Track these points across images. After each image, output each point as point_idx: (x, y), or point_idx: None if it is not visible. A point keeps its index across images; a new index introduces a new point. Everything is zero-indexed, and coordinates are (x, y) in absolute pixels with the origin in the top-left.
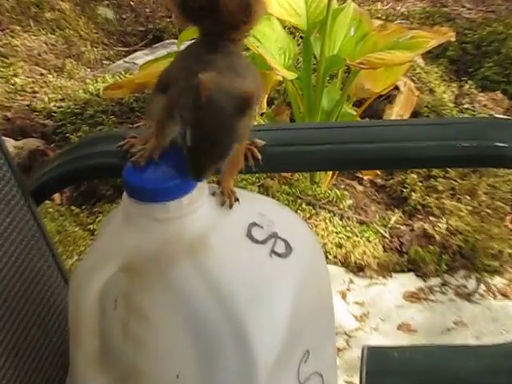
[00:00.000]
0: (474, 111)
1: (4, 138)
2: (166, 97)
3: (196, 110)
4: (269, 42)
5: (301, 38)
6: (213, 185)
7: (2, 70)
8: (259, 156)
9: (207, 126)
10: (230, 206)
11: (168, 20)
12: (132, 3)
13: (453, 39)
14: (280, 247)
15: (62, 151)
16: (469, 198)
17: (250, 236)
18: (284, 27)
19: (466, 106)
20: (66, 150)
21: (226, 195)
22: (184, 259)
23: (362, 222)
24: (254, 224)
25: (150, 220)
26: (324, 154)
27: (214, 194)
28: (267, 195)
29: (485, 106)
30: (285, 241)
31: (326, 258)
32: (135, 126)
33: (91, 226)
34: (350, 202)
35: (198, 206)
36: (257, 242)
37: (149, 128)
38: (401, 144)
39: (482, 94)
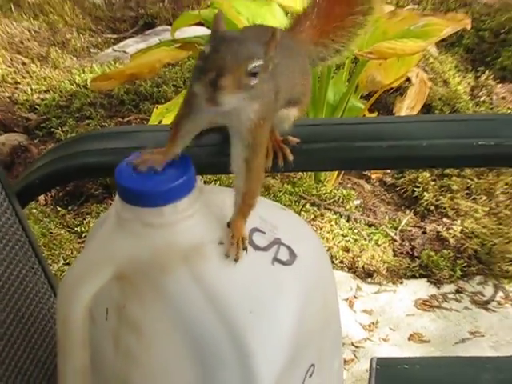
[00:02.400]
0: (491, 104)
1: None
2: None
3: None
4: None
5: None
6: (212, 186)
7: None
8: (291, 157)
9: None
10: (236, 260)
11: (160, 5)
12: None
13: (468, 27)
14: (283, 254)
15: (49, 149)
16: (485, 198)
17: (251, 242)
18: (286, 13)
19: (482, 98)
20: (54, 147)
21: (234, 243)
22: (180, 268)
23: (370, 224)
24: (255, 229)
25: (144, 225)
26: (329, 152)
27: (221, 243)
28: (268, 195)
29: (503, 98)
30: (288, 247)
31: (332, 262)
32: (126, 119)
33: (78, 228)
34: (357, 202)
35: (194, 211)
36: (258, 248)
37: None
38: (413, 142)
39: (500, 86)
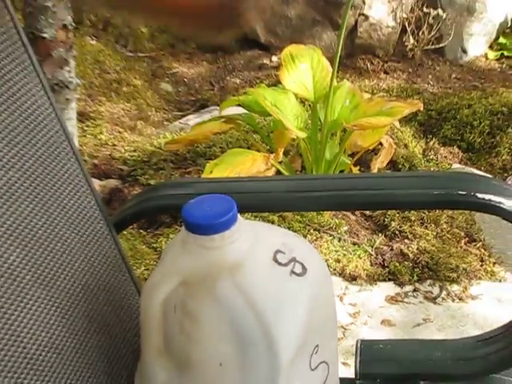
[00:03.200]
0: (437, 161)
1: (92, 179)
2: None
3: None
4: (286, 109)
5: (309, 106)
6: (249, 221)
7: (91, 129)
8: None
9: None
10: None
11: (211, 92)
12: (185, 80)
13: (421, 108)
14: (298, 268)
15: (136, 194)
16: (434, 225)
17: (275, 260)
18: (297, 99)
19: (431, 157)
20: (139, 193)
21: None
22: (225, 277)
23: (354, 243)
24: (278, 251)
25: (201, 248)
26: (327, 199)
27: None
28: (284, 222)
29: (445, 157)
30: (301, 263)
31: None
32: (187, 170)
33: (154, 245)
34: (345, 228)
35: (236, 238)
36: (280, 264)
37: None
38: (387, 191)
39: (442, 149)
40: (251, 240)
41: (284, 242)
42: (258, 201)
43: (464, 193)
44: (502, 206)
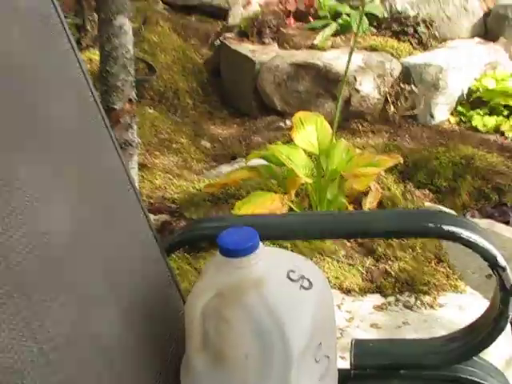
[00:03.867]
0: (413, 201)
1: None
2: None
3: None
4: (297, 161)
5: (315, 159)
6: (268, 247)
7: (149, 176)
8: None
9: None
10: None
11: (240, 148)
12: (220, 138)
13: (401, 161)
14: (306, 284)
15: (183, 226)
16: (410, 250)
17: (288, 277)
18: (305, 153)
19: (408, 197)
20: (185, 225)
21: None
22: (251, 291)
23: (349, 264)
24: (290, 270)
25: (232, 268)
26: (329, 230)
27: None
28: (296, 248)
29: (419, 197)
30: (308, 280)
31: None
32: (221, 208)
33: (195, 265)
34: (343, 252)
35: (258, 260)
36: (292, 280)
37: None
38: (375, 224)
39: (417, 191)
40: (270, 262)
41: (295, 264)
42: (275, 231)
43: (433, 225)
44: (461, 235)
